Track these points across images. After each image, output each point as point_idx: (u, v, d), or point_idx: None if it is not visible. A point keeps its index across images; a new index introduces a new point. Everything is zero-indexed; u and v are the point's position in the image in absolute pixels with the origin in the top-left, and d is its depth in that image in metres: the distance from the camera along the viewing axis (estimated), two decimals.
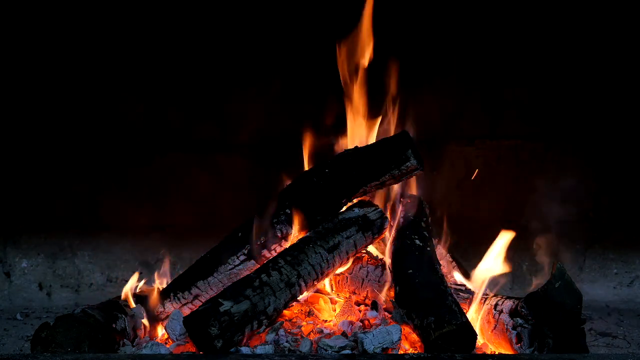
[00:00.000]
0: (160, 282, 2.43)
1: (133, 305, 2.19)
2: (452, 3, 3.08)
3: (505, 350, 2.00)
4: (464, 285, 2.29)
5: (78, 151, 3.15)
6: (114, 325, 2.04)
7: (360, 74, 2.58)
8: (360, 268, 2.33)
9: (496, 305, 2.08)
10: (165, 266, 2.49)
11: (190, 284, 2.25)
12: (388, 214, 2.40)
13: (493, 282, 2.30)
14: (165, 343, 2.12)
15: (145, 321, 2.18)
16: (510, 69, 3.13)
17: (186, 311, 2.17)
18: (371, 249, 2.41)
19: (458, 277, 2.42)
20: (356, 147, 2.35)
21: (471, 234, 2.79)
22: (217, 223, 3.13)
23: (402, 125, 2.50)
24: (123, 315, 2.10)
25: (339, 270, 2.31)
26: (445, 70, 3.11)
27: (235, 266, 2.24)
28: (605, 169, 3.19)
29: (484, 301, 2.14)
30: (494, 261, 2.27)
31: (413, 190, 2.58)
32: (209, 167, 3.18)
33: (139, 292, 2.32)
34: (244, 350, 1.93)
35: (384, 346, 1.93)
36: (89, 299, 2.99)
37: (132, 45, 3.09)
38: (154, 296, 2.25)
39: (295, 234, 2.28)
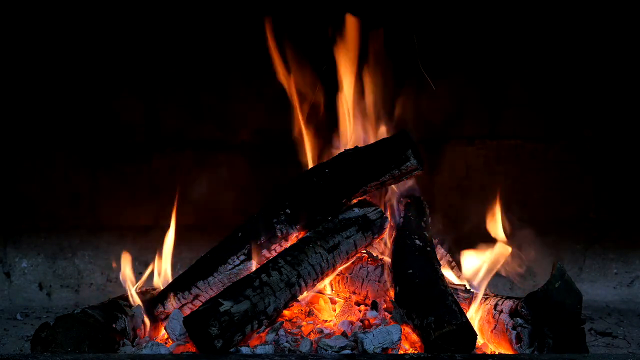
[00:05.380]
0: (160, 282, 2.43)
1: (137, 301, 2.19)
2: (452, 3, 3.08)
3: (505, 350, 2.00)
4: (464, 285, 2.29)
5: (78, 151, 3.15)
6: (114, 325, 2.04)
7: (360, 73, 2.59)
8: (360, 268, 2.33)
9: (496, 305, 2.08)
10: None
11: (190, 284, 2.25)
12: (388, 214, 2.40)
13: (493, 282, 2.31)
14: (165, 343, 2.12)
15: (145, 320, 2.18)
16: (511, 68, 3.14)
17: (186, 311, 2.17)
18: (371, 249, 2.41)
19: (458, 277, 2.42)
20: (356, 147, 2.35)
21: (471, 233, 2.79)
22: (217, 223, 3.14)
23: (402, 125, 2.51)
24: (123, 315, 2.10)
25: (339, 270, 2.31)
26: (445, 70, 3.11)
27: (235, 266, 2.24)
28: (605, 169, 3.19)
29: (484, 301, 2.14)
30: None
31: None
32: (209, 166, 3.18)
33: (140, 290, 2.32)
34: (244, 350, 1.93)
35: (384, 346, 1.93)
36: (89, 299, 2.99)
37: (132, 44, 3.09)
38: (154, 296, 2.25)
39: (295, 233, 2.28)
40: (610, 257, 3.24)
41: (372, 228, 2.27)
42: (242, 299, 1.94)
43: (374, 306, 2.24)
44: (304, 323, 2.15)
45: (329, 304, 2.29)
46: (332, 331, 2.10)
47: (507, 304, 2.04)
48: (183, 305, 2.22)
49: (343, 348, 1.94)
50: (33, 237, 3.18)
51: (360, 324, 2.15)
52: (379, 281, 2.28)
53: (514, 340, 1.95)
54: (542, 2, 3.08)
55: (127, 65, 3.10)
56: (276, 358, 1.82)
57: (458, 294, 2.20)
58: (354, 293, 2.34)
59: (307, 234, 2.23)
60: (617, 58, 3.12)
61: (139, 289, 2.36)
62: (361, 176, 2.26)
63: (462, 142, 3.20)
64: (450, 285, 2.20)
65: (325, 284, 2.35)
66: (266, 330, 2.02)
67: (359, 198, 2.34)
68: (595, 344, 2.47)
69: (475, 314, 2.13)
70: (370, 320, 2.16)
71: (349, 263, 2.30)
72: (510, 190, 3.18)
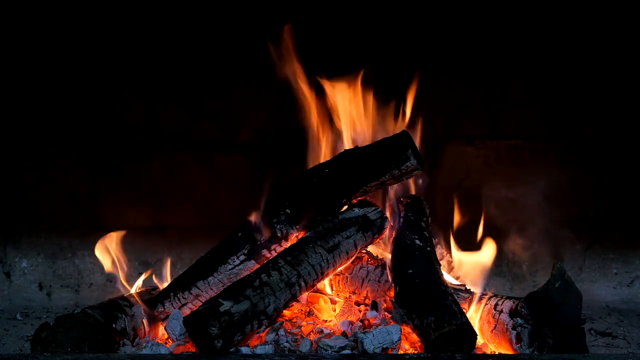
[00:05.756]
0: (160, 283, 2.43)
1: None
2: (453, 4, 3.08)
3: (505, 350, 2.00)
4: (464, 285, 2.29)
5: (78, 151, 3.14)
6: (114, 325, 2.04)
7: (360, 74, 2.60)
8: (360, 268, 2.33)
9: (496, 305, 2.08)
10: (166, 266, 2.49)
11: (190, 284, 2.25)
12: (388, 214, 2.40)
13: (493, 282, 2.31)
14: (165, 343, 2.12)
15: (145, 321, 2.18)
16: (511, 68, 3.13)
17: (186, 311, 2.17)
18: (371, 249, 2.41)
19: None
20: (356, 146, 2.36)
21: (471, 233, 2.79)
22: (217, 223, 3.14)
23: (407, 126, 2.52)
24: (123, 315, 2.10)
25: (339, 269, 2.31)
26: (445, 70, 3.11)
27: (235, 266, 2.24)
28: (605, 169, 3.19)
29: (484, 301, 2.14)
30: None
31: (413, 190, 2.58)
32: (209, 166, 3.18)
33: (139, 291, 2.32)
34: (244, 350, 1.93)
35: (384, 346, 1.93)
36: (89, 299, 3.00)
37: (133, 44, 3.09)
38: (154, 296, 2.25)
39: (295, 233, 2.28)
40: (610, 257, 3.24)
41: (372, 228, 2.27)
42: (242, 299, 1.94)
43: (374, 306, 2.24)
44: (304, 323, 2.15)
45: (329, 304, 2.29)
46: (332, 331, 2.10)
47: (507, 304, 2.04)
48: (183, 305, 2.22)
49: (343, 348, 1.94)
50: (33, 237, 3.18)
51: (360, 324, 2.15)
52: (379, 281, 2.28)
53: (514, 340, 1.95)
54: (542, 2, 3.08)
55: (127, 65, 3.10)
56: (276, 358, 1.82)
57: (458, 294, 2.20)
58: (354, 293, 2.34)
59: (307, 234, 2.24)
60: (617, 58, 3.12)
61: (139, 288, 2.37)
62: (361, 176, 2.26)
63: (462, 142, 3.21)
64: (450, 285, 2.20)
65: (325, 283, 2.35)
66: (266, 330, 2.02)
67: (359, 198, 2.34)
68: (595, 344, 2.47)
69: (475, 314, 2.13)
70: (370, 320, 2.16)
71: (348, 263, 2.30)
72: (510, 191, 3.19)
